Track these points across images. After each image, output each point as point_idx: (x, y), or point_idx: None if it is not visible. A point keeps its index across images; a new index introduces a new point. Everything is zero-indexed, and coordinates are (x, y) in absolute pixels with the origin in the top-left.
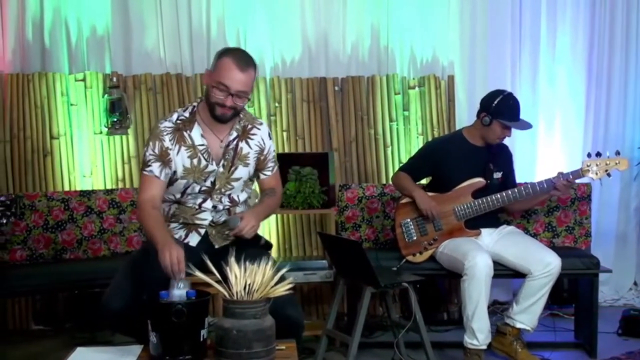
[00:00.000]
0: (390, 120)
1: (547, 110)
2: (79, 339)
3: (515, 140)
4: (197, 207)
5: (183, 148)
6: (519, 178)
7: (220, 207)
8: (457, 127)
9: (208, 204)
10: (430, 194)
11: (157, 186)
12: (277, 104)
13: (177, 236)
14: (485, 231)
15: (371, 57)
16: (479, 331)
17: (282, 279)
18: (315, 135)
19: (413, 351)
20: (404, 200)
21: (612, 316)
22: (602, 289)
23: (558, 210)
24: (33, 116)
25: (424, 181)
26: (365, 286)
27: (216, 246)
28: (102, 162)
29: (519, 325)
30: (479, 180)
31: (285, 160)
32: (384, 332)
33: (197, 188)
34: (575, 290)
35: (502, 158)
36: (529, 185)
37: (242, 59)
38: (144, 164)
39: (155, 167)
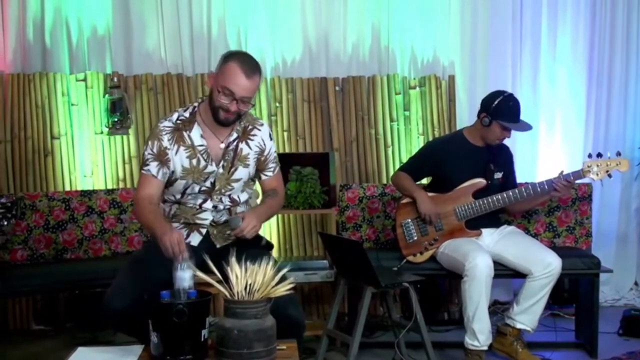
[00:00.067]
0: (391, 120)
1: (548, 110)
2: (80, 339)
3: (515, 141)
4: (197, 207)
5: (182, 148)
6: (520, 178)
7: (221, 206)
8: (458, 127)
9: (208, 204)
10: (430, 194)
11: (154, 185)
12: (277, 104)
13: None
14: (485, 231)
15: (372, 57)
16: (479, 332)
17: (283, 279)
18: (316, 135)
19: (414, 351)
20: (404, 201)
21: (612, 316)
22: (603, 289)
23: (559, 211)
24: (34, 116)
25: (424, 181)
26: (366, 286)
27: (217, 246)
28: (102, 162)
29: (519, 326)
30: (479, 181)
31: (286, 160)
32: (385, 332)
33: (196, 188)
34: (576, 290)
35: (503, 158)
36: (530, 186)
37: (248, 64)
38: (142, 163)
39: (153, 167)
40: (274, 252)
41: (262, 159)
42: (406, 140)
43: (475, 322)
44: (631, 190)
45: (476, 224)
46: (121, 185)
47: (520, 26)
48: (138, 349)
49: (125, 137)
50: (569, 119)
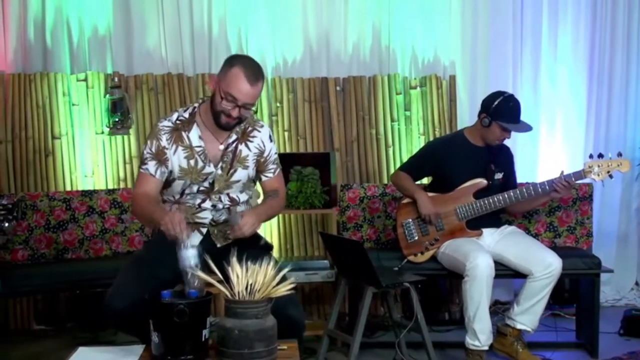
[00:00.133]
0: (392, 120)
1: (549, 110)
2: (81, 338)
3: (516, 141)
4: (196, 206)
5: (180, 148)
6: (520, 178)
7: (220, 205)
8: (459, 127)
9: (207, 204)
10: (431, 194)
11: (152, 184)
12: (278, 104)
13: None
14: (486, 231)
15: (373, 57)
16: (480, 332)
17: (283, 279)
18: (316, 135)
19: (414, 351)
20: (405, 200)
21: (613, 316)
22: (604, 289)
23: (560, 211)
24: (35, 116)
25: (424, 181)
26: (367, 286)
27: (218, 245)
28: (103, 162)
29: (519, 326)
30: (480, 181)
31: (286, 160)
32: (386, 332)
33: (195, 188)
34: (576, 290)
35: (503, 158)
36: (531, 186)
37: (252, 71)
38: (141, 162)
39: (151, 165)
40: (275, 252)
41: (262, 160)
42: (407, 140)
43: (476, 322)
44: (632, 190)
45: (477, 224)
46: (122, 185)
47: (521, 26)
48: (139, 348)
49: (126, 137)
50: (569, 119)
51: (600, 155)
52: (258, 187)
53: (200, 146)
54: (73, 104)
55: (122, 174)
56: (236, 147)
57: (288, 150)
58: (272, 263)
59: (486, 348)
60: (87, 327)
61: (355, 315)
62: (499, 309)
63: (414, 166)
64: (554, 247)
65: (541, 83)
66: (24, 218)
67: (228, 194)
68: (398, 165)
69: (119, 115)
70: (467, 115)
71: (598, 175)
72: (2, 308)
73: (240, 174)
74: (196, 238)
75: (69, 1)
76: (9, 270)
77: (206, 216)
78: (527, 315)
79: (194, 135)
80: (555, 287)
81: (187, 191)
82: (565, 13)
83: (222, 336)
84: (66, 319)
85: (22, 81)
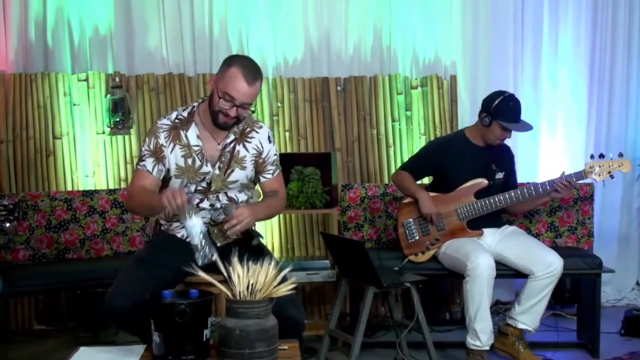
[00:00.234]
0: (393, 120)
1: (549, 110)
2: (82, 338)
3: (517, 141)
4: (194, 206)
5: (178, 147)
6: (521, 178)
7: (218, 205)
8: (460, 127)
9: (205, 204)
10: (432, 194)
11: (148, 180)
12: (279, 104)
13: (179, 235)
14: (487, 231)
15: (373, 57)
16: (481, 332)
17: (284, 279)
18: (317, 135)
19: (415, 351)
20: (406, 200)
21: (614, 316)
22: (605, 289)
23: (561, 211)
24: (36, 116)
25: (425, 180)
26: (368, 286)
27: (218, 244)
28: (104, 162)
29: (520, 326)
30: (481, 181)
31: (287, 160)
32: (387, 332)
33: (192, 188)
34: (577, 291)
35: (504, 158)
36: (532, 186)
37: (250, 71)
38: (139, 159)
39: (149, 163)
40: (276, 252)
41: (260, 161)
42: (408, 140)
43: (477, 322)
44: (633, 191)
45: (478, 224)
46: (123, 185)
47: (521, 26)
48: (140, 348)
49: (127, 137)
50: (570, 119)
51: (602, 156)
52: (258, 187)
53: (198, 145)
54: (74, 104)
55: (123, 174)
56: (234, 148)
57: (289, 151)
58: (273, 263)
59: (487, 348)
60: (88, 327)
61: (356, 315)
62: (500, 309)
63: (415, 166)
64: (555, 247)
65: (542, 83)
66: (25, 218)
67: (226, 194)
68: (399, 165)
69: (120, 115)
70: (467, 116)
71: (599, 175)
72: (3, 308)
73: (238, 175)
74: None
75: (70, 1)
76: (10, 270)
77: (204, 216)
78: (528, 315)
79: (192, 134)
80: (556, 287)
81: (185, 191)
82: (566, 13)
83: (223, 336)
84: (67, 319)
85: (23, 81)
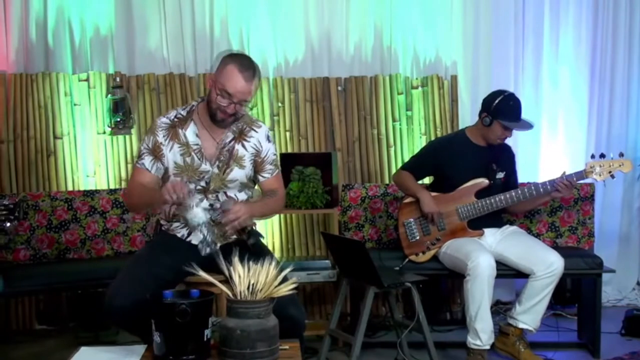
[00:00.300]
0: (393, 120)
1: (550, 110)
2: (83, 338)
3: (518, 140)
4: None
5: (176, 145)
6: (522, 178)
7: (217, 205)
8: (460, 127)
9: (205, 204)
10: (433, 193)
11: (146, 178)
12: (280, 104)
13: (179, 235)
14: (488, 231)
15: (374, 57)
16: (482, 331)
17: (285, 279)
18: (318, 135)
19: (416, 351)
20: (407, 200)
21: (615, 316)
22: (605, 289)
23: (561, 211)
24: (36, 116)
25: (426, 180)
26: (369, 286)
27: (218, 244)
28: (105, 162)
29: (521, 326)
30: (482, 181)
31: (288, 160)
32: (387, 332)
33: (191, 187)
34: (578, 290)
35: (505, 158)
36: (532, 186)
37: (247, 67)
38: (137, 157)
39: (147, 161)
40: (277, 252)
41: (259, 160)
42: (408, 140)
43: (477, 322)
44: (633, 191)
45: (478, 223)
46: (124, 185)
47: (522, 26)
48: (141, 348)
49: (127, 137)
50: (571, 119)
51: (602, 155)
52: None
53: (196, 144)
54: (75, 104)
55: (123, 174)
56: (233, 147)
57: (289, 150)
58: (273, 263)
59: (487, 347)
60: (89, 327)
61: (356, 315)
62: (501, 309)
63: (416, 165)
64: (555, 247)
65: (543, 83)
66: (25, 218)
67: (226, 194)
68: (399, 165)
69: (121, 115)
70: (468, 116)
71: (600, 175)
72: (4, 308)
73: (237, 174)
74: (197, 237)
75: (71, 1)
76: (10, 270)
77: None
78: (529, 315)
79: (190, 133)
80: (556, 287)
81: (185, 182)
82: (566, 13)
83: (224, 336)
84: (68, 319)
85: (24, 81)
